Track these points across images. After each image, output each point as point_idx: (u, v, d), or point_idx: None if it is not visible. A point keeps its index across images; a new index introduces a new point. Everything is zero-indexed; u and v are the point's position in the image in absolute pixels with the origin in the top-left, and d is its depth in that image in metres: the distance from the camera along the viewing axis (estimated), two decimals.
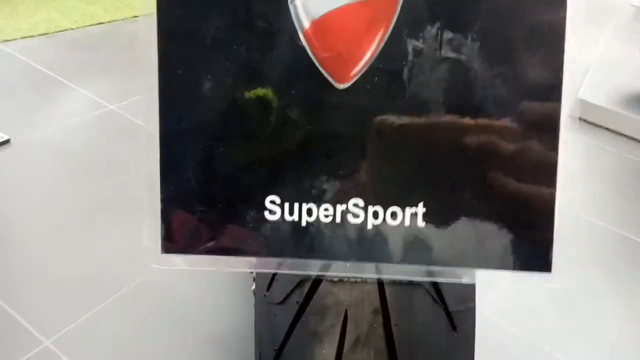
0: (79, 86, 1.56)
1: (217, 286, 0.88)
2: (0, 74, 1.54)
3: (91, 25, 1.88)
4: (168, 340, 0.80)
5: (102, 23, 1.90)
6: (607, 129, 1.67)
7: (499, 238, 0.34)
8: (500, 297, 0.91)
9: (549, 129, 0.32)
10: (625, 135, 1.65)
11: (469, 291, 0.52)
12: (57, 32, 1.81)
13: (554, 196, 0.32)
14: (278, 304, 0.53)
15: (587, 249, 1.11)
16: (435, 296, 0.52)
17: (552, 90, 0.32)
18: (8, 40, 1.67)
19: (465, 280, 0.34)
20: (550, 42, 0.32)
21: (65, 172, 1.17)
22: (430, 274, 0.35)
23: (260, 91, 0.33)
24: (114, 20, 1.93)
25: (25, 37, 1.75)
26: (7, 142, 1.23)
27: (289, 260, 0.35)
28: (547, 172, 0.33)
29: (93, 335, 0.79)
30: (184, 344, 0.80)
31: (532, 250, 0.33)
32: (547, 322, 0.89)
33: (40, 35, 1.78)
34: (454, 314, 0.54)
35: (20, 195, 1.08)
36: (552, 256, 0.33)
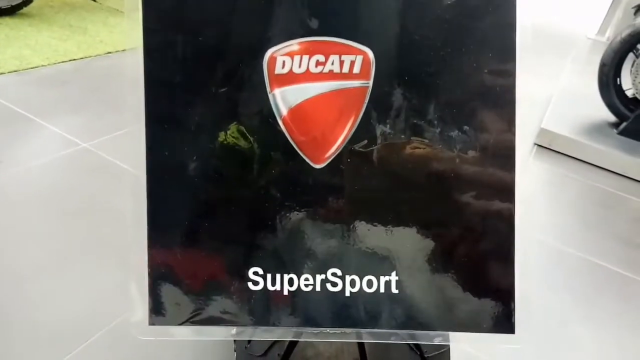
0: (50, 124, 1.54)
1: None
2: None
3: (63, 62, 1.87)
4: None
5: (74, 60, 1.90)
6: (570, 157, 1.75)
7: (465, 304, 0.37)
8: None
9: (504, 212, 0.36)
10: (587, 163, 1.73)
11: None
12: (28, 69, 1.80)
13: (513, 270, 0.36)
14: (259, 356, 0.55)
15: (556, 275, 1.15)
16: (412, 344, 0.55)
17: (507, 165, 0.36)
18: None
19: (438, 341, 0.37)
20: (503, 131, 0.36)
21: (37, 213, 1.15)
22: (407, 336, 0.37)
23: (243, 171, 0.36)
24: (86, 57, 1.93)
25: None
26: None
27: (265, 328, 0.37)
28: (505, 249, 0.36)
29: None
30: None
31: (496, 315, 0.36)
32: (520, 349, 0.92)
33: (11, 72, 1.76)
34: (430, 359, 0.56)
35: None
36: (514, 319, 0.36)
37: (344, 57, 0.35)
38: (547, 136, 1.76)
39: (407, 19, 0.35)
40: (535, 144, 1.77)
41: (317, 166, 0.36)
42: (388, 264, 0.36)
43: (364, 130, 0.36)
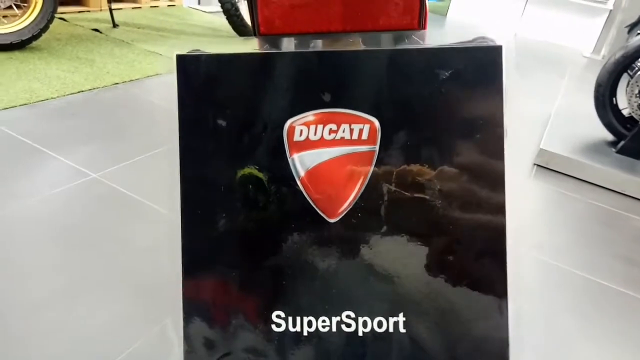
0: (61, 155, 1.57)
1: None
2: None
3: (72, 93, 1.91)
4: None
5: (82, 91, 1.94)
6: (570, 176, 1.78)
7: (467, 342, 0.41)
8: None
9: (498, 266, 0.40)
10: (587, 182, 1.76)
11: None
12: (38, 101, 1.84)
13: (507, 315, 0.40)
14: None
15: (557, 294, 1.17)
16: None
17: (497, 218, 0.40)
18: None
19: None
20: (495, 181, 0.41)
21: (49, 245, 1.15)
22: None
23: (266, 226, 0.40)
24: (94, 88, 1.97)
25: (6, 108, 1.77)
26: None
27: None
28: (499, 292, 0.41)
29: None
30: None
31: (492, 354, 0.41)
32: None
33: (22, 105, 1.81)
34: None
35: (1, 269, 1.07)
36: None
37: (353, 125, 0.40)
38: (546, 156, 1.80)
39: (409, 92, 0.40)
40: (535, 164, 1.80)
41: (332, 220, 0.41)
42: (396, 306, 0.41)
43: (372, 189, 0.41)
